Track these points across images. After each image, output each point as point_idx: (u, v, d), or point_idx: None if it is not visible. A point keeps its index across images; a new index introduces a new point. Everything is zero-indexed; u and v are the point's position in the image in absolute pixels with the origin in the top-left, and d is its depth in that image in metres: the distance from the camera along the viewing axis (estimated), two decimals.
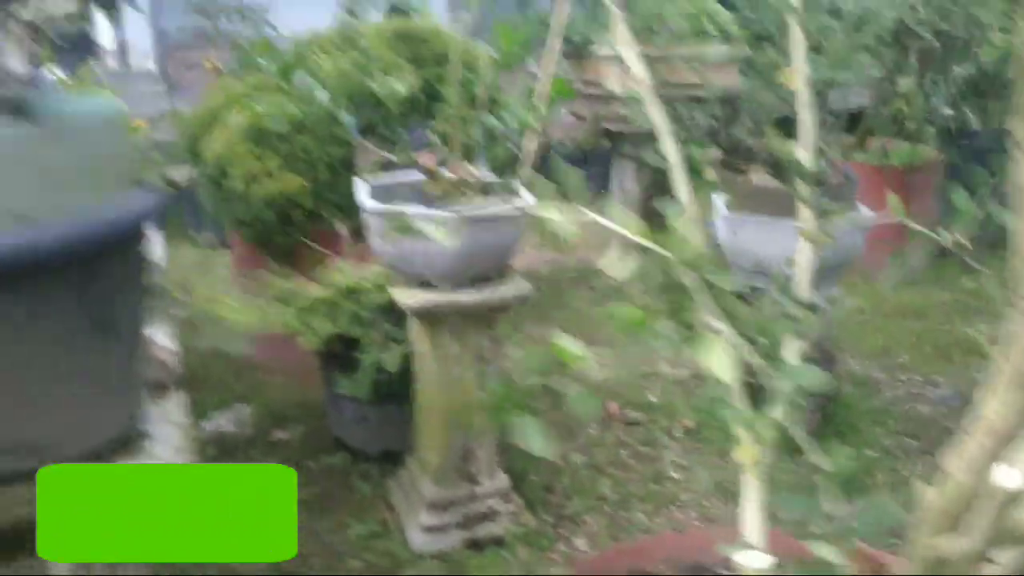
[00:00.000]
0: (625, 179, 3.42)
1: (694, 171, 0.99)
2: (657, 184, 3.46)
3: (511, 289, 1.91)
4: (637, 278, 0.78)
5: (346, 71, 2.02)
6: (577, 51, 3.15)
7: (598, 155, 4.13)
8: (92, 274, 1.10)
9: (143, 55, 6.34)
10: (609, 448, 2.52)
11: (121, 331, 1.17)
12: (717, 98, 2.23)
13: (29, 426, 1.10)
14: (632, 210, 3.46)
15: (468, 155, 1.84)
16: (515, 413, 0.62)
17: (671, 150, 1.01)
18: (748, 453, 0.85)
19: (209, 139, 2.51)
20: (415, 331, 2.00)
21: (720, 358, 0.76)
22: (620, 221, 0.80)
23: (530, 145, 1.85)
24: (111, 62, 6.09)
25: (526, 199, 1.85)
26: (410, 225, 1.76)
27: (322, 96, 1.76)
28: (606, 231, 0.83)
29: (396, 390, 2.24)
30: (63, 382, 1.10)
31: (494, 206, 1.78)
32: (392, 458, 2.39)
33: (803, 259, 1.03)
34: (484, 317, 1.95)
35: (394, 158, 1.89)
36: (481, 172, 1.90)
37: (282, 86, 1.71)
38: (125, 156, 1.15)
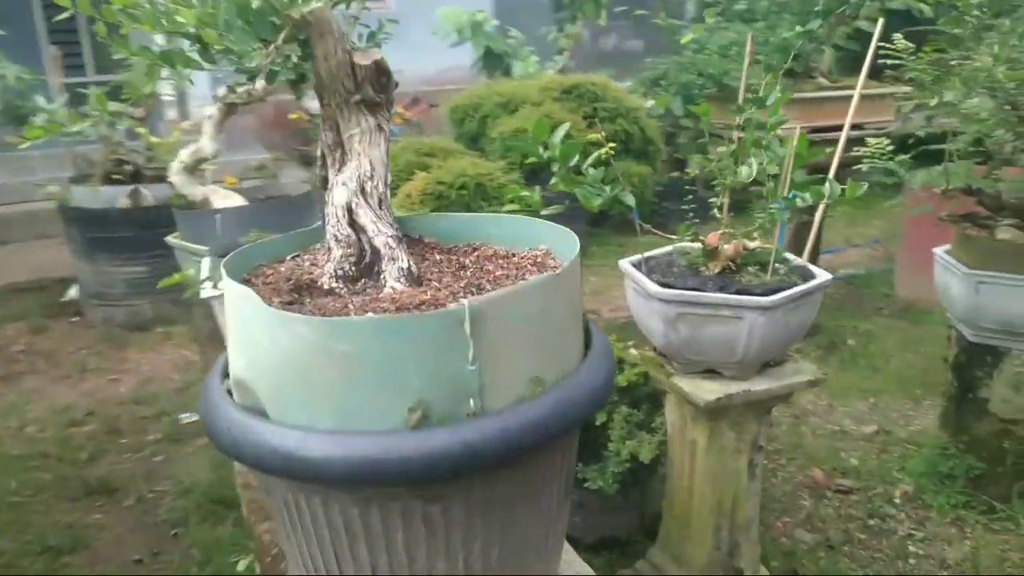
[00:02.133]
0: None
1: None
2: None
3: (802, 374, 1.74)
4: None
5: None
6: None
7: None
8: (573, 434, 0.93)
9: (200, 101, 6.19)
10: (834, 523, 2.35)
11: (571, 487, 1.00)
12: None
13: None
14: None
15: (767, 230, 1.67)
16: None
17: None
18: None
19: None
20: (683, 420, 1.83)
21: None
22: None
23: (818, 216, 1.68)
24: (171, 113, 5.93)
25: (822, 275, 1.69)
26: (720, 311, 1.60)
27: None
28: None
29: (628, 478, 2.07)
30: (536, 548, 0.93)
31: (804, 285, 1.61)
32: (608, 546, 2.22)
33: None
34: (765, 405, 1.78)
35: (672, 237, 1.72)
36: (762, 246, 1.74)
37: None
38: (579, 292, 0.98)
